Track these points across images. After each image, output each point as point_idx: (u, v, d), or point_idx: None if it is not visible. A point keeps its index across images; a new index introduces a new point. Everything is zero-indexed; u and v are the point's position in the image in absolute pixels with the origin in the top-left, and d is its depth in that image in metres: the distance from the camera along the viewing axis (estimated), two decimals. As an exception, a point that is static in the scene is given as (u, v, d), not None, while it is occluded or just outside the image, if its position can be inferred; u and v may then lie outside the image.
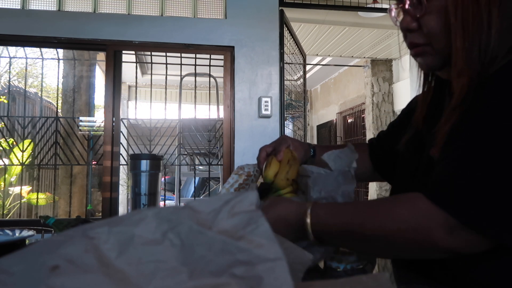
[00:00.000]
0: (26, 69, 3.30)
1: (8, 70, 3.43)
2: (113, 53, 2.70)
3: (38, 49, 2.89)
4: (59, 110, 4.45)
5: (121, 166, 2.90)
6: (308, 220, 0.58)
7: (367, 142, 0.98)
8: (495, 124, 0.51)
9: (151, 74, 2.94)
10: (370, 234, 0.54)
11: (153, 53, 2.88)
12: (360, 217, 0.56)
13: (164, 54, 2.84)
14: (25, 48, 2.81)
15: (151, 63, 2.93)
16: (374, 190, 5.55)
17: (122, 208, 5.20)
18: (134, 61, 3.04)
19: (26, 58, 2.95)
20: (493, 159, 0.49)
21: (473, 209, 0.48)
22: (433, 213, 0.50)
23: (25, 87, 3.43)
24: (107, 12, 2.74)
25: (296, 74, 3.41)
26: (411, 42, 0.66)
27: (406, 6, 0.64)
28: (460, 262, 0.56)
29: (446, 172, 0.52)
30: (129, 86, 6.73)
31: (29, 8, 2.66)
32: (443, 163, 0.54)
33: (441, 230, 0.49)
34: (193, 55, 2.88)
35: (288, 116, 3.38)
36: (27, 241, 0.87)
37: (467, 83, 0.58)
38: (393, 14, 0.69)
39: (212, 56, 2.90)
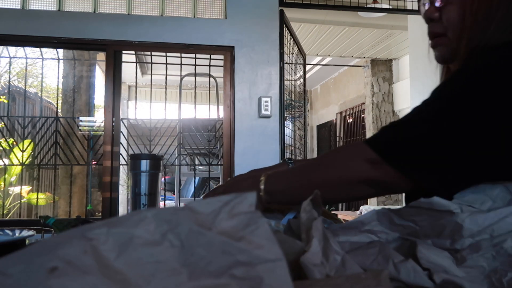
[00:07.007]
0: (26, 69, 3.31)
1: (8, 70, 3.43)
2: (113, 53, 2.71)
3: (38, 49, 2.89)
4: (59, 110, 4.45)
5: (121, 166, 2.90)
6: (262, 186, 0.65)
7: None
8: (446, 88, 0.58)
9: (151, 74, 2.94)
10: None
11: (153, 53, 2.88)
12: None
13: (164, 54, 2.84)
14: (25, 48, 2.81)
15: (151, 63, 2.93)
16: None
17: (122, 208, 5.20)
18: (134, 61, 3.04)
19: (26, 58, 2.95)
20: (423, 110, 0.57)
21: (390, 147, 0.56)
22: (361, 149, 0.58)
23: (25, 87, 3.43)
24: (107, 12, 2.74)
25: (296, 74, 3.41)
26: (431, 31, 0.71)
27: None
28: None
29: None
30: (129, 86, 6.72)
31: (29, 8, 2.66)
32: None
33: (364, 163, 0.57)
34: (193, 55, 2.88)
35: (288, 116, 3.38)
36: (27, 241, 0.87)
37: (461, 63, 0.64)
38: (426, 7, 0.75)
39: (212, 56, 2.90)
